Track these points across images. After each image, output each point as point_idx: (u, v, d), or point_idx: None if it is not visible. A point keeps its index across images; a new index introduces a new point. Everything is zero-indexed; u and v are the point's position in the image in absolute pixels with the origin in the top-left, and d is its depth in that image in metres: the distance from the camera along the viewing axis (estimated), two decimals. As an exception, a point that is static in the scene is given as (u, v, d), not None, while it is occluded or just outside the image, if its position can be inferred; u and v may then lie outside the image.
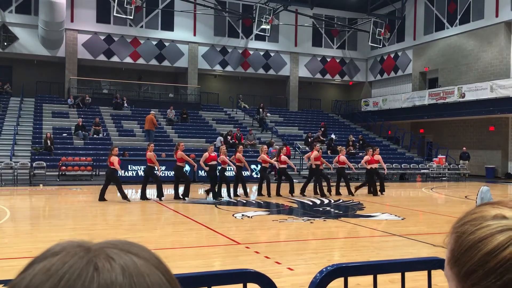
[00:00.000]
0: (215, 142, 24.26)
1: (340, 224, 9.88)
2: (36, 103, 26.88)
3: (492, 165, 26.61)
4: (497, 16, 26.50)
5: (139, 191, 13.88)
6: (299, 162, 23.67)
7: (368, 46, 34.47)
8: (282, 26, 33.11)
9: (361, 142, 27.59)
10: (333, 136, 26.95)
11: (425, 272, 2.05)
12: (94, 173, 20.14)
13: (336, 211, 11.89)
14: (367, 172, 16.33)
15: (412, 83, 32.69)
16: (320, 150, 16.28)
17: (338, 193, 15.89)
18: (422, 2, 31.87)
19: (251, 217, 10.53)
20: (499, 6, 26.38)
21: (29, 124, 24.01)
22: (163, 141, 23.92)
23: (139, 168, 19.64)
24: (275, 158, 16.09)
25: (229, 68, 33.13)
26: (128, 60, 30.59)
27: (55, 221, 10.13)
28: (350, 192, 15.65)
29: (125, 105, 28.25)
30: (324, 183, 15.77)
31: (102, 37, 29.88)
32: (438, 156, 26.45)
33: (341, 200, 14.22)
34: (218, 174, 14.25)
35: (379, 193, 15.94)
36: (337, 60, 36.03)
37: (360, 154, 25.06)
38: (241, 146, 16.04)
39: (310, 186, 16.09)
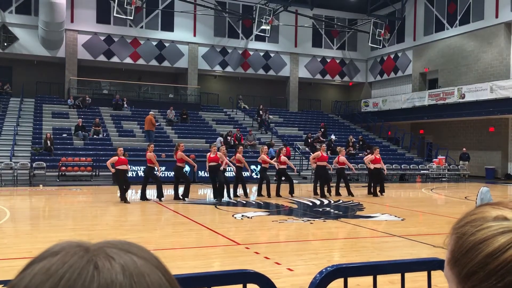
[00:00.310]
0: (215, 143, 24.29)
1: (340, 224, 9.88)
2: (36, 103, 26.88)
3: (492, 166, 26.61)
4: (497, 17, 26.51)
5: (139, 191, 13.87)
6: (299, 162, 23.68)
7: (368, 46, 34.48)
8: (282, 27, 33.12)
9: (361, 142, 27.60)
10: (333, 136, 26.96)
11: (425, 273, 2.05)
12: (94, 173, 20.14)
13: (336, 211, 11.89)
14: (371, 172, 16.00)
15: (412, 84, 32.70)
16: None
17: (338, 193, 15.88)
18: (422, 2, 31.89)
19: (251, 217, 10.53)
20: (499, 7, 26.39)
21: (29, 125, 24.01)
22: (163, 142, 23.92)
23: (139, 169, 19.64)
24: (275, 158, 16.10)
25: (229, 69, 33.14)
26: (128, 60, 30.59)
27: (55, 221, 10.13)
28: (350, 193, 15.64)
29: (125, 105, 28.26)
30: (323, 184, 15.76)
31: (102, 38, 29.89)
32: (438, 157, 26.45)
33: (340, 201, 14.21)
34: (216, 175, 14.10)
35: (378, 194, 15.93)
36: (337, 61, 36.04)
37: (360, 154, 25.08)
38: (241, 147, 16.06)
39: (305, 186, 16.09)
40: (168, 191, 15.05)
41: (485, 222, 0.68)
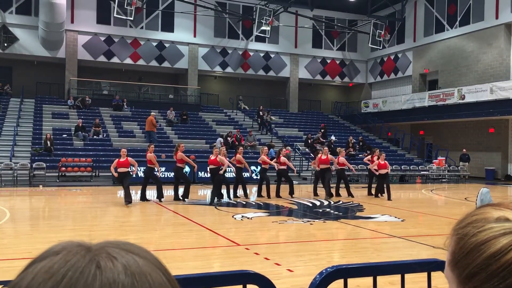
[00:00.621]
0: (215, 144, 24.30)
1: (340, 225, 9.88)
2: (36, 104, 26.89)
3: (492, 167, 26.61)
4: (497, 18, 26.52)
5: (139, 192, 13.87)
6: (299, 163, 23.68)
7: (368, 47, 34.50)
8: (282, 28, 33.13)
9: (361, 143, 27.60)
10: (333, 137, 26.96)
11: (425, 274, 2.05)
12: (94, 174, 20.14)
13: (336, 212, 11.89)
14: (379, 177, 15.58)
15: (412, 85, 32.71)
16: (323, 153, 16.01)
17: (338, 194, 15.88)
18: (422, 3, 31.90)
19: (251, 218, 10.53)
20: (499, 8, 26.41)
21: (29, 125, 24.02)
22: (163, 142, 23.92)
23: (139, 169, 19.62)
24: (274, 159, 16.11)
25: (229, 69, 33.15)
26: (128, 61, 30.60)
27: (54, 222, 10.12)
28: (349, 194, 15.64)
29: (125, 106, 28.26)
30: (321, 185, 15.75)
31: (102, 38, 29.90)
32: (438, 158, 26.44)
33: (340, 202, 14.21)
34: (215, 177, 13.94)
35: (379, 195, 15.92)
36: (337, 62, 36.05)
37: (360, 155, 25.07)
38: (241, 148, 16.06)
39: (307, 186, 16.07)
40: (168, 191, 15.05)
41: (487, 223, 0.67)
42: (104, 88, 31.18)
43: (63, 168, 19.69)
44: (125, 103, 28.33)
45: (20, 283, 0.53)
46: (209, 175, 20.71)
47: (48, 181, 18.90)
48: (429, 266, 2.05)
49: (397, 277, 2.05)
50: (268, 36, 31.04)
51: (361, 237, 8.75)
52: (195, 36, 31.87)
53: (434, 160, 26.62)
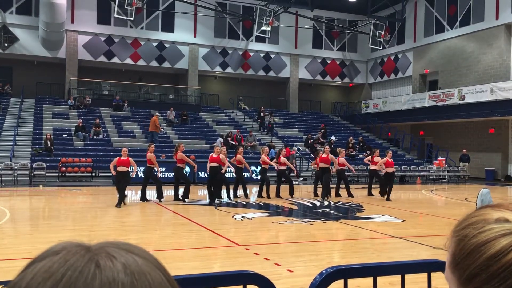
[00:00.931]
0: (215, 144, 24.29)
1: (340, 226, 9.88)
2: (36, 104, 26.89)
3: (492, 168, 26.61)
4: (497, 18, 26.52)
5: (139, 192, 13.86)
6: (299, 163, 23.68)
7: (368, 48, 34.50)
8: (283, 28, 33.13)
9: (361, 144, 27.60)
10: (333, 138, 26.96)
11: (425, 274, 2.05)
12: (94, 174, 20.14)
13: (336, 213, 11.89)
14: (385, 175, 15.37)
15: (412, 85, 32.71)
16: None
17: (338, 194, 15.87)
18: (422, 4, 31.91)
19: (251, 218, 10.53)
20: (499, 9, 26.41)
21: (29, 125, 24.02)
22: (163, 142, 23.92)
23: (139, 169, 19.62)
24: (274, 159, 16.11)
25: (229, 70, 33.15)
26: (129, 61, 30.61)
27: (54, 222, 10.12)
28: (349, 194, 15.64)
29: (125, 106, 28.26)
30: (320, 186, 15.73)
31: (103, 38, 29.90)
32: (438, 158, 26.44)
33: (341, 202, 14.21)
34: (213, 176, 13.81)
35: (378, 194, 15.93)
36: (337, 62, 36.05)
37: (360, 156, 25.07)
38: (241, 148, 16.05)
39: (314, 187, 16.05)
40: (168, 192, 15.05)
41: (487, 224, 0.67)
42: (104, 88, 31.18)
43: (63, 168, 19.70)
44: (125, 104, 28.33)
45: (20, 283, 0.53)
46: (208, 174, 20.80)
47: (48, 181, 18.90)
48: (429, 266, 2.05)
49: (397, 278, 2.05)
50: (268, 36, 31.04)
51: (361, 237, 8.75)
52: (195, 36, 31.88)
53: (434, 161, 26.62)
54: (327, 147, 16.10)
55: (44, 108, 26.37)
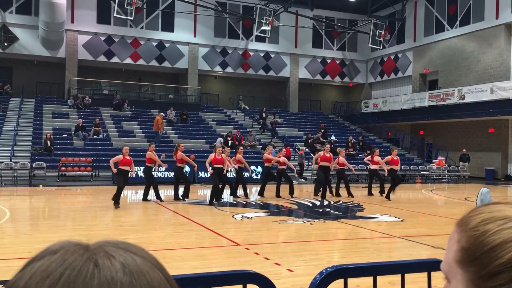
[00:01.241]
0: (215, 143, 24.30)
1: (340, 225, 9.88)
2: (36, 103, 26.89)
3: (492, 167, 26.61)
4: (497, 18, 26.52)
5: (140, 192, 13.85)
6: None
7: (368, 47, 34.50)
8: (283, 28, 33.13)
9: (361, 143, 27.60)
10: (333, 137, 26.96)
11: (425, 274, 2.05)
12: (94, 174, 20.14)
13: (335, 212, 11.89)
14: (389, 173, 15.25)
15: (412, 85, 32.71)
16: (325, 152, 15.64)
17: (338, 194, 15.87)
18: (422, 4, 31.90)
19: (251, 218, 10.53)
20: (499, 8, 26.40)
21: (29, 125, 24.02)
22: (163, 142, 23.93)
23: (139, 169, 19.62)
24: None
25: (229, 69, 33.15)
26: (128, 61, 30.60)
27: (54, 221, 10.12)
28: (349, 194, 15.63)
29: (125, 105, 28.26)
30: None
31: (103, 38, 29.90)
32: (438, 158, 26.44)
33: (340, 202, 14.20)
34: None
35: (378, 194, 15.92)
36: (337, 62, 36.05)
37: (360, 155, 25.08)
38: (241, 147, 16.05)
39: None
40: (168, 191, 15.04)
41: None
42: (104, 88, 31.18)
43: (63, 168, 19.70)
44: (126, 103, 28.33)
45: (18, 282, 0.52)
46: (209, 175, 20.78)
47: (48, 180, 18.90)
48: (429, 266, 2.05)
49: (397, 277, 2.05)
50: (268, 36, 31.04)
51: (361, 237, 8.75)
52: (195, 36, 31.87)
53: (434, 160, 26.62)
54: (328, 146, 15.97)
55: (44, 107, 26.37)
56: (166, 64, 31.47)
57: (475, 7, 27.94)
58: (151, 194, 13.86)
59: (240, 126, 28.14)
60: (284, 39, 34.11)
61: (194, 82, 31.99)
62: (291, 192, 15.30)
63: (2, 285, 0.58)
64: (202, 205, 13.22)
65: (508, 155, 26.69)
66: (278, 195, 15.07)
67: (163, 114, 24.96)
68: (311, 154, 24.70)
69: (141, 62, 30.84)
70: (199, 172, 20.58)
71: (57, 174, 19.56)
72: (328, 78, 35.96)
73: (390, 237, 8.48)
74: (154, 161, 13.53)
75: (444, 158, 26.27)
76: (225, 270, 4.51)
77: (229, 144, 22.98)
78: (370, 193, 16.40)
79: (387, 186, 16.29)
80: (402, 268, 2.08)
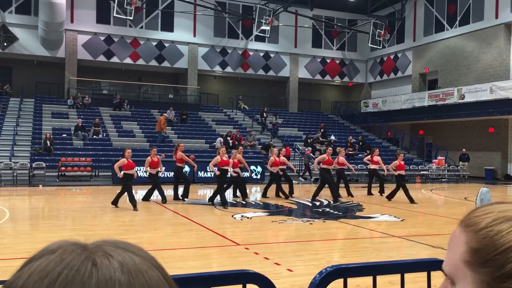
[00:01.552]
0: (214, 143, 24.32)
1: (340, 225, 9.88)
2: (35, 103, 26.88)
3: (491, 167, 26.61)
4: (496, 17, 26.52)
5: (142, 192, 13.84)
6: (298, 163, 23.69)
7: (368, 47, 34.50)
8: (282, 27, 33.13)
9: (360, 143, 27.60)
10: (332, 137, 26.96)
11: (425, 273, 2.05)
12: (93, 173, 20.14)
13: (335, 212, 11.89)
14: (396, 178, 14.53)
15: (412, 85, 32.71)
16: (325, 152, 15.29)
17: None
18: (422, 3, 31.90)
19: (251, 218, 10.53)
20: (499, 8, 26.41)
21: (28, 125, 24.01)
22: (162, 142, 23.92)
23: (139, 169, 19.61)
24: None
25: (228, 69, 33.14)
26: (128, 61, 30.60)
27: (54, 221, 10.12)
28: (349, 194, 15.63)
29: (125, 105, 28.25)
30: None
31: (102, 38, 29.89)
32: (438, 158, 26.45)
33: (340, 201, 14.19)
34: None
35: (378, 194, 15.91)
36: (337, 61, 36.05)
37: (360, 155, 25.08)
38: (241, 147, 16.04)
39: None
40: (168, 191, 15.03)
41: None
42: (104, 87, 31.17)
43: (63, 168, 19.69)
44: (125, 103, 28.33)
45: (16, 282, 0.52)
46: (211, 175, 20.76)
47: (47, 180, 18.90)
48: (428, 265, 2.05)
49: (397, 277, 2.05)
50: (268, 35, 31.04)
51: (360, 236, 8.75)
52: (194, 35, 31.87)
53: (433, 160, 26.63)
54: (330, 149, 15.60)
55: (43, 107, 26.36)
56: (165, 64, 31.47)
57: (475, 6, 27.94)
58: (155, 195, 13.67)
59: (239, 126, 28.15)
60: (284, 39, 34.11)
61: (193, 82, 31.99)
62: (291, 192, 15.29)
63: (0, 285, 0.58)
64: (201, 205, 13.21)
65: (507, 155, 26.69)
66: (278, 195, 15.07)
67: (166, 115, 24.98)
68: (311, 154, 24.65)
69: (140, 62, 30.83)
70: (199, 172, 20.58)
71: (57, 174, 19.56)
72: (327, 77, 35.96)
73: (389, 236, 8.48)
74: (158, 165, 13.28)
75: (444, 157, 26.28)
76: (225, 270, 4.52)
77: (230, 144, 22.99)
78: (369, 193, 16.40)
79: (386, 186, 16.31)
80: (401, 267, 2.08)
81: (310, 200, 14.16)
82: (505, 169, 26.65)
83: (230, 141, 24.01)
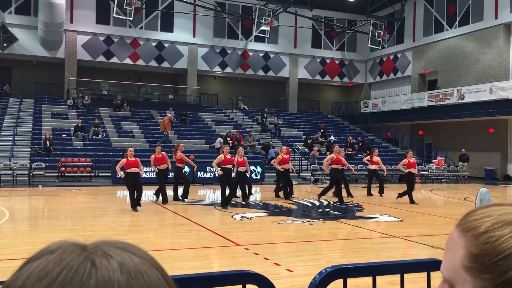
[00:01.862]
0: (214, 144, 24.31)
1: (339, 225, 9.88)
2: (35, 104, 26.88)
3: (491, 167, 26.62)
4: (496, 18, 26.54)
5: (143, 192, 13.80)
6: (298, 163, 23.68)
7: (367, 47, 34.51)
8: (282, 28, 33.13)
9: (360, 143, 27.61)
10: (332, 137, 26.96)
11: (424, 274, 2.05)
12: (93, 174, 20.13)
13: (335, 212, 11.89)
14: (406, 177, 14.41)
15: (412, 85, 32.72)
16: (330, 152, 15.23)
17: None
18: (421, 4, 31.92)
19: (250, 218, 10.53)
20: (498, 8, 26.42)
21: (28, 125, 24.00)
22: (162, 142, 23.91)
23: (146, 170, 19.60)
24: (274, 159, 16.09)
25: (228, 70, 33.15)
26: (128, 61, 30.59)
27: (54, 222, 10.11)
28: (349, 194, 15.62)
29: (125, 105, 28.25)
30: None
31: (102, 38, 29.89)
32: (437, 158, 26.45)
33: (344, 202, 14.17)
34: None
35: (378, 194, 15.90)
36: (337, 62, 36.06)
37: (359, 155, 25.08)
38: (240, 148, 16.01)
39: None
40: (168, 191, 15.01)
41: None
42: (104, 88, 31.16)
43: (63, 168, 19.68)
44: (125, 104, 28.33)
45: (15, 282, 0.52)
46: (211, 176, 20.76)
47: (47, 181, 18.89)
48: (428, 266, 2.05)
49: (397, 277, 2.05)
50: (268, 36, 31.04)
51: (360, 237, 8.75)
52: (194, 36, 31.87)
53: (433, 160, 26.64)
54: (337, 147, 15.26)
55: (43, 108, 26.35)
56: (165, 64, 31.47)
57: (474, 7, 27.96)
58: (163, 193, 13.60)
59: (239, 126, 28.14)
60: (284, 39, 34.12)
61: (193, 82, 31.99)
62: (291, 193, 15.28)
63: (0, 286, 0.58)
64: (201, 205, 13.21)
65: (507, 155, 26.70)
66: (277, 195, 15.07)
67: (170, 115, 24.99)
68: (311, 154, 24.63)
69: (140, 62, 30.83)
70: (199, 173, 20.58)
71: (57, 174, 19.55)
72: (327, 78, 35.97)
73: (389, 237, 8.48)
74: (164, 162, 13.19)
75: (444, 158, 26.28)
76: (224, 270, 4.51)
77: (230, 145, 22.97)
78: (369, 193, 16.40)
79: (386, 187, 16.31)
80: (401, 268, 2.08)
81: (317, 199, 14.24)
82: (505, 169, 26.66)
83: (230, 141, 24.00)
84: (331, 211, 12.10)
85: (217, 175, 13.07)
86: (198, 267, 5.97)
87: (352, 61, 36.53)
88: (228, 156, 12.58)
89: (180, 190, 13.82)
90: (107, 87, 31.09)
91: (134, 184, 11.45)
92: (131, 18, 27.69)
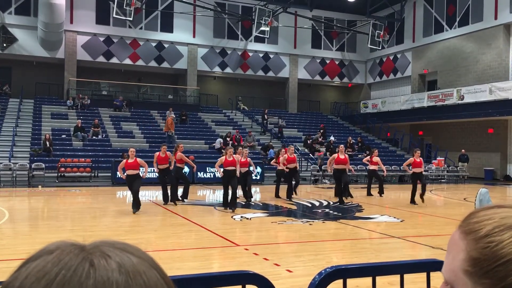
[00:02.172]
0: (214, 144, 24.32)
1: (339, 226, 9.87)
2: (35, 104, 26.87)
3: (491, 167, 26.62)
4: (496, 18, 26.54)
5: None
6: (298, 163, 23.64)
7: (367, 48, 34.51)
8: (282, 28, 33.14)
9: (360, 144, 27.61)
10: (332, 138, 26.96)
11: (424, 274, 2.05)
12: (93, 174, 20.13)
13: (335, 213, 11.88)
14: (412, 176, 14.39)
15: (411, 85, 32.73)
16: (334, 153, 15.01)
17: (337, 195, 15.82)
18: (421, 4, 31.93)
19: (250, 219, 10.53)
20: (498, 9, 26.43)
21: (28, 125, 24.00)
22: (162, 143, 23.91)
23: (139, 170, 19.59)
24: (273, 160, 16.09)
25: (228, 70, 33.15)
26: (128, 61, 30.59)
27: (53, 222, 10.11)
28: (349, 194, 15.61)
29: (124, 106, 28.25)
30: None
31: (102, 39, 29.88)
32: (437, 158, 26.45)
33: (343, 203, 14.17)
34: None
35: (377, 194, 15.90)
36: (336, 62, 36.06)
37: (359, 156, 25.07)
38: (240, 148, 16.01)
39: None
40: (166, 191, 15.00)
41: None
42: (103, 88, 31.16)
43: (62, 169, 19.68)
44: (124, 104, 28.32)
45: (14, 282, 0.52)
46: (211, 176, 20.75)
47: (47, 181, 18.88)
48: (428, 266, 2.05)
49: (396, 277, 2.05)
50: (267, 36, 31.04)
51: (360, 237, 8.75)
52: (194, 36, 31.87)
53: (433, 161, 26.64)
54: (342, 146, 15.16)
55: (43, 108, 26.35)
56: (165, 64, 31.47)
57: (474, 7, 27.97)
58: (157, 194, 13.80)
59: (239, 127, 28.14)
60: (283, 40, 34.13)
61: (193, 83, 31.99)
62: (295, 190, 15.24)
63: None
64: (201, 205, 13.20)
65: (507, 156, 26.71)
66: (277, 195, 15.07)
67: (173, 116, 24.99)
68: (311, 154, 24.68)
69: (140, 62, 30.83)
70: (199, 173, 20.58)
71: (56, 175, 19.55)
72: (327, 78, 35.97)
73: (389, 237, 8.48)
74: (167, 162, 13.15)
75: (443, 158, 26.28)
76: (224, 270, 4.51)
77: (230, 145, 22.98)
78: (369, 194, 16.40)
79: (386, 187, 16.31)
80: (401, 268, 2.08)
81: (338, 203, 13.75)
82: (505, 169, 26.66)
83: (230, 142, 24.00)
84: (331, 212, 12.10)
85: (218, 177, 13.02)
86: (198, 268, 5.97)
87: (352, 61, 36.54)
88: (230, 158, 12.40)
89: (180, 191, 13.81)
90: (107, 88, 31.09)
91: (131, 186, 11.38)
92: (131, 19, 27.68)
